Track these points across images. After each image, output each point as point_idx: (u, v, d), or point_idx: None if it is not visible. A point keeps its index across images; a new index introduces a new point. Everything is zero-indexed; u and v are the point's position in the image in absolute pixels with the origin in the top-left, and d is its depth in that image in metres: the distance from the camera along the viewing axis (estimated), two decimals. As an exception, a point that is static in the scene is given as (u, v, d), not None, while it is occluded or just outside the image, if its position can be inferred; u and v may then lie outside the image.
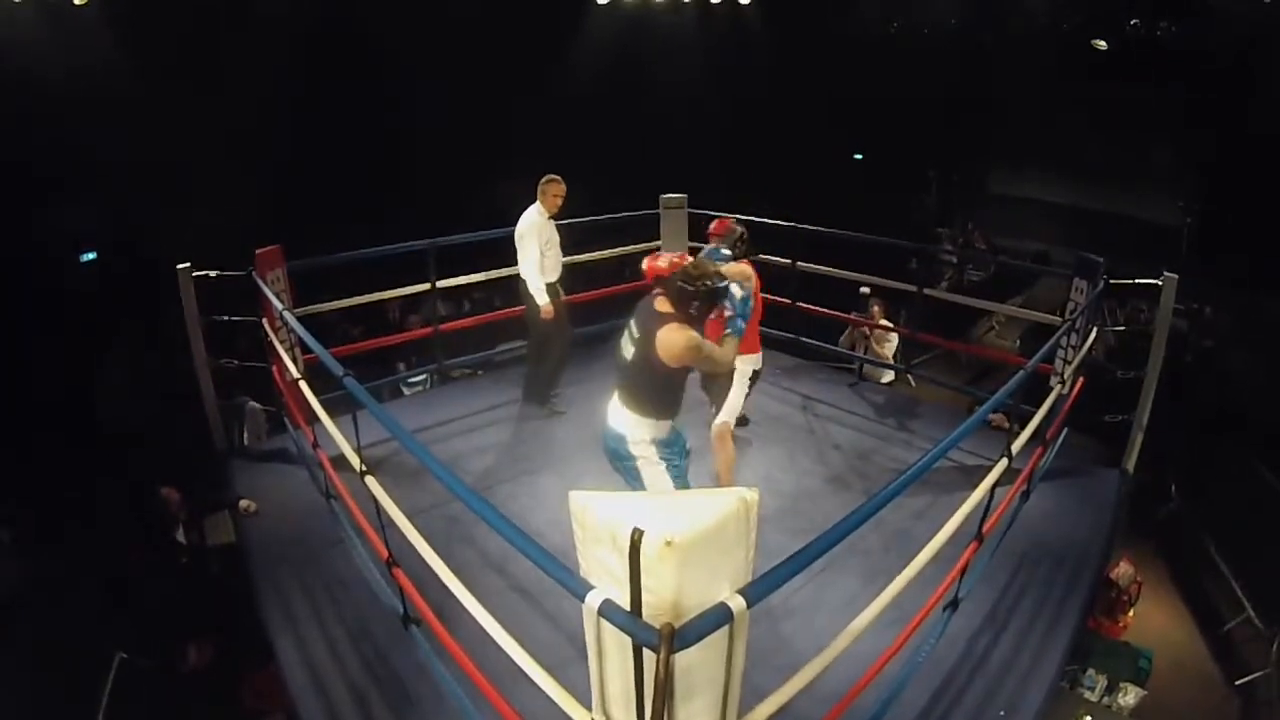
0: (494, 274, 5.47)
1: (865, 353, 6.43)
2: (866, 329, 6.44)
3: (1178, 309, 5.02)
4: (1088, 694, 4.14)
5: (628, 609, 1.55)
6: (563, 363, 5.13)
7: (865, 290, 6.42)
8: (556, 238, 4.76)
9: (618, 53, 10.60)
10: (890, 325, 6.18)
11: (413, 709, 2.81)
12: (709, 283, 2.81)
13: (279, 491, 4.25)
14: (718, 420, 3.95)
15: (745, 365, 3.94)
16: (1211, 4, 9.07)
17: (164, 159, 7.44)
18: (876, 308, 6.39)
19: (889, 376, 6.33)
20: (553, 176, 4.66)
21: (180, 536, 4.36)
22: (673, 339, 2.79)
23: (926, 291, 5.39)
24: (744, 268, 3.77)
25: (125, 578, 4.44)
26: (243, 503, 4.10)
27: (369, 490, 2.68)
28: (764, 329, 5.36)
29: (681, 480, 3.07)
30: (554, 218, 4.71)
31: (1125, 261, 4.71)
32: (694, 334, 2.81)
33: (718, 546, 1.68)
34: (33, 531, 5.09)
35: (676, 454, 3.05)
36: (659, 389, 2.90)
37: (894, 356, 6.46)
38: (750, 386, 4.05)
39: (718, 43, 11.25)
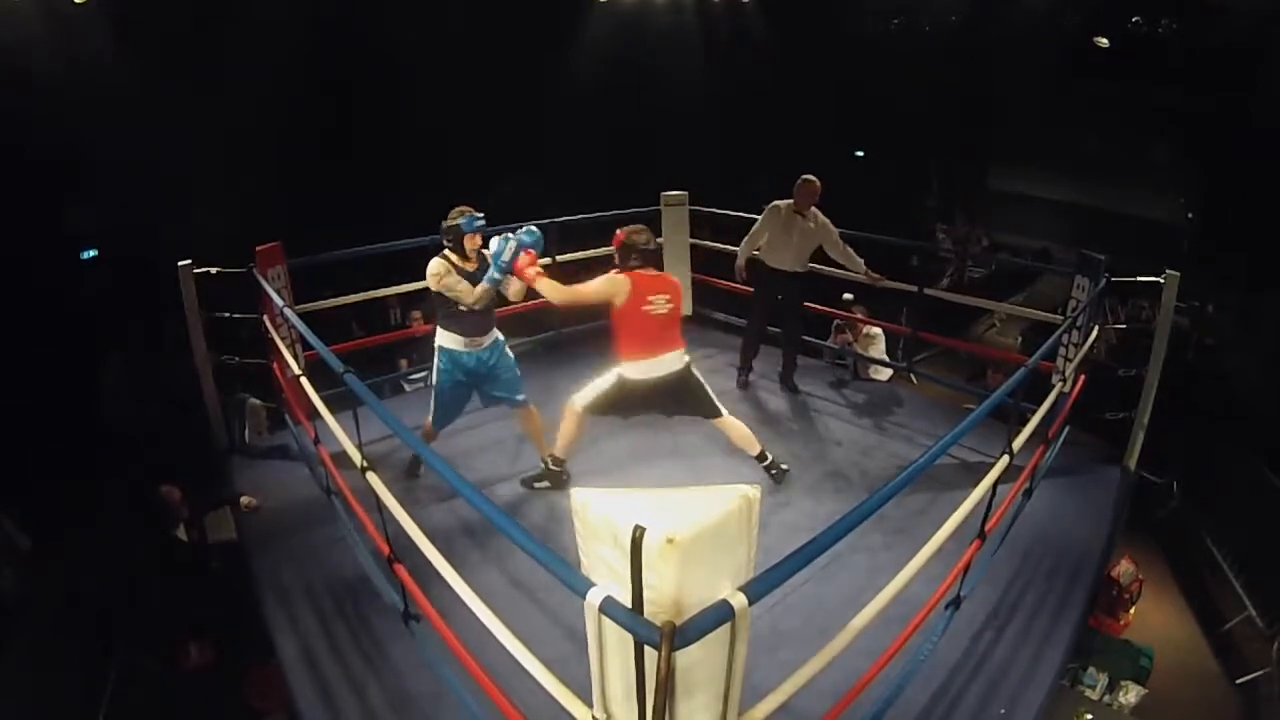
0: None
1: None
2: (851, 335, 6.44)
3: (1179, 307, 5.01)
4: (1089, 692, 4.13)
5: (629, 606, 1.55)
6: (749, 344, 5.44)
7: (848, 296, 6.44)
8: (798, 228, 4.92)
9: (618, 52, 10.59)
10: (870, 320, 6.16)
11: (413, 705, 2.81)
12: (448, 222, 3.72)
13: (280, 488, 4.25)
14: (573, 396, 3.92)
15: (618, 366, 3.79)
16: (1212, 2, 9.05)
17: (164, 157, 7.43)
18: (858, 312, 6.37)
19: (886, 374, 6.33)
20: (806, 177, 4.90)
21: (181, 534, 4.36)
22: (429, 267, 3.70)
23: (927, 291, 5.38)
24: (613, 275, 3.70)
25: (125, 576, 4.44)
26: (244, 499, 4.09)
27: (370, 486, 2.67)
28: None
29: (440, 393, 3.91)
30: (800, 213, 4.90)
31: (1127, 259, 4.70)
32: (439, 263, 3.70)
33: (719, 544, 1.68)
34: (34, 531, 5.10)
35: (449, 367, 3.85)
36: (438, 305, 3.80)
37: (886, 354, 6.47)
38: (616, 391, 3.77)
39: (718, 41, 11.24)
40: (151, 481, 4.41)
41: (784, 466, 4.21)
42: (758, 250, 5.14)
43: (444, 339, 3.85)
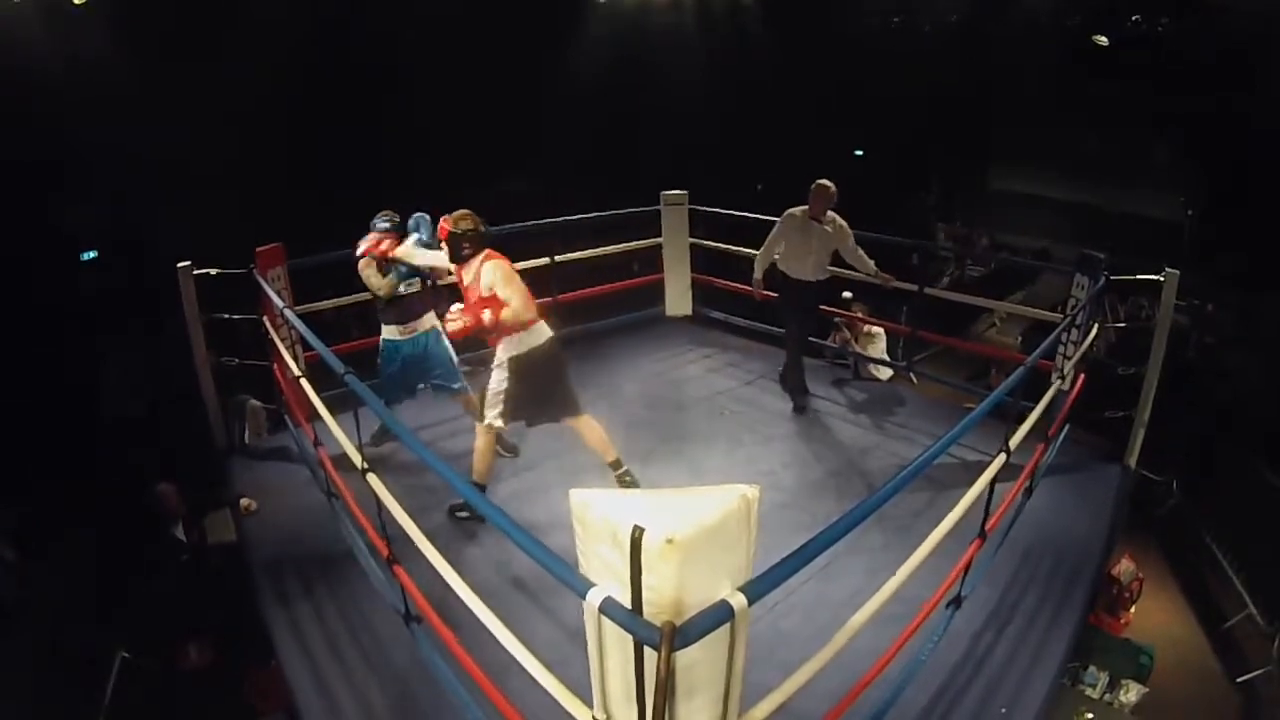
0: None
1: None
2: (850, 333, 6.44)
3: (1179, 305, 5.01)
4: (1089, 691, 4.13)
5: (629, 607, 1.55)
6: (795, 363, 5.17)
7: (847, 295, 6.43)
8: (816, 234, 4.78)
9: (618, 52, 10.61)
10: (871, 319, 6.16)
11: (414, 707, 2.81)
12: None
13: (280, 489, 4.25)
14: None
15: (500, 352, 3.71)
16: (1212, 2, 9.06)
17: (164, 158, 7.44)
18: (858, 311, 6.37)
19: (887, 373, 6.33)
20: (820, 182, 4.77)
21: (180, 534, 4.36)
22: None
23: (927, 290, 5.38)
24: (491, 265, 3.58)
25: (125, 577, 4.44)
26: (243, 501, 4.09)
27: (370, 488, 2.67)
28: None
29: (384, 379, 4.21)
30: (816, 219, 4.75)
31: (1127, 258, 4.70)
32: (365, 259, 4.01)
33: (719, 544, 1.67)
34: (33, 530, 5.09)
35: (389, 355, 4.20)
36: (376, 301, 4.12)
37: (886, 353, 6.47)
38: (514, 379, 3.63)
39: (718, 41, 11.26)
40: (151, 482, 4.42)
41: (633, 478, 3.98)
42: (776, 256, 4.96)
43: (383, 331, 4.20)
